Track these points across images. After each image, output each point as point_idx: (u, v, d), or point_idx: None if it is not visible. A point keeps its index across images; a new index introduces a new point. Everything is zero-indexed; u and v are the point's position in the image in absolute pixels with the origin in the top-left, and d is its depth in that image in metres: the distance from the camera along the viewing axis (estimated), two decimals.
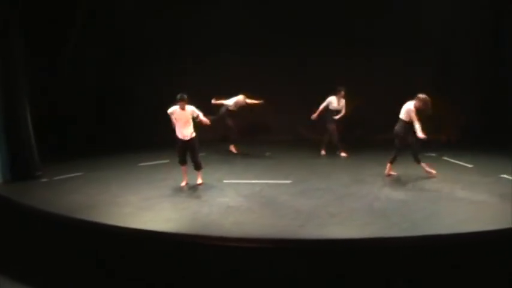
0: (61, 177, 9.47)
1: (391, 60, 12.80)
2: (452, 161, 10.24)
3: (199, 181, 8.71)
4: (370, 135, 13.05)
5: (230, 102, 11.54)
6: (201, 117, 8.60)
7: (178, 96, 8.38)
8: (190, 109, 8.51)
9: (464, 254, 5.36)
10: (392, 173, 9.06)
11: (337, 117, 11.16)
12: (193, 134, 8.57)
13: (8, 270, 6.78)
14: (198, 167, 8.71)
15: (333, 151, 11.32)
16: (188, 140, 8.52)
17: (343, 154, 11.15)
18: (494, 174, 8.73)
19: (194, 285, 5.56)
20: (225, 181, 8.92)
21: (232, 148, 11.87)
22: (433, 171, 8.83)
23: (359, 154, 11.19)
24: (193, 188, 8.48)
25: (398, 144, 8.79)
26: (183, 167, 8.71)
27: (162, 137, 13.14)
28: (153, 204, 7.49)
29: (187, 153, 8.63)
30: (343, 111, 11.18)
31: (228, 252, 5.64)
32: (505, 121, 11.99)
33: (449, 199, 7.30)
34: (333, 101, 11.14)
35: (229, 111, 11.63)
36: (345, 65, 12.77)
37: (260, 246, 5.58)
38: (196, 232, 6.08)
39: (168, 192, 8.22)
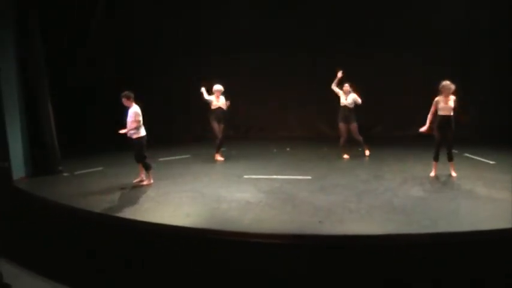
0: (81, 171, 9.62)
1: (409, 58, 12.71)
2: (474, 157, 10.09)
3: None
4: (389, 132, 12.99)
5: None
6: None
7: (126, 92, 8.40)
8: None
9: (485, 252, 5.32)
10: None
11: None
12: None
13: (31, 264, 6.91)
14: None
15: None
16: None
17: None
18: None
19: (213, 280, 5.59)
20: (245, 176, 8.94)
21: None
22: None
23: (378, 151, 11.09)
24: (212, 183, 8.51)
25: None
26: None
27: (182, 132, 13.32)
28: (172, 199, 7.54)
29: None
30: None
31: (247, 248, 5.67)
32: None
33: (470, 196, 7.20)
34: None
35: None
36: (362, 62, 12.69)
37: (279, 242, 5.59)
38: (215, 227, 6.09)
39: (188, 187, 8.25)
